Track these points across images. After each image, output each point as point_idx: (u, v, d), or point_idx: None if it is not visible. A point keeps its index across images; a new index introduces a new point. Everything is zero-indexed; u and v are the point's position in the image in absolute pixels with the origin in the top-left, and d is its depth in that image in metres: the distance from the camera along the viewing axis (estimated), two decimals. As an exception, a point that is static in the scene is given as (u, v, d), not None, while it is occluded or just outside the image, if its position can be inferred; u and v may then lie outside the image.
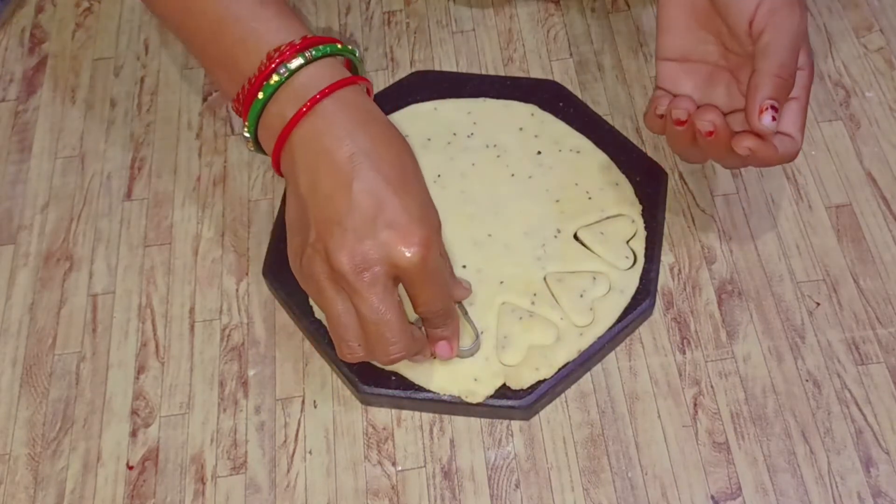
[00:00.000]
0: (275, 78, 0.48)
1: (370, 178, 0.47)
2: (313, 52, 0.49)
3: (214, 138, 0.65)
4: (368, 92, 0.53)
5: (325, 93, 0.48)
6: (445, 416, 0.54)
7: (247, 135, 0.51)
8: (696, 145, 0.51)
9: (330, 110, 0.48)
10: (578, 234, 0.58)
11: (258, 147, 0.52)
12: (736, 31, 0.50)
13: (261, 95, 0.49)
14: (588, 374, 0.55)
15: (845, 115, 0.64)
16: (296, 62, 0.48)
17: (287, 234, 0.52)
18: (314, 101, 0.48)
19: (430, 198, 0.50)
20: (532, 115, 0.63)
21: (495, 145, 0.62)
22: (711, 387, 0.54)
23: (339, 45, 0.51)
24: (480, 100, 0.64)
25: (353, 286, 0.46)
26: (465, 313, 0.55)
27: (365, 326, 0.47)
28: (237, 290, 0.59)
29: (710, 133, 0.49)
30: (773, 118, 0.47)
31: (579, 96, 0.65)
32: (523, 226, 0.58)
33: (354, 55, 0.52)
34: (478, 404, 0.53)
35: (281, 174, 0.51)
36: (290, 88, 0.49)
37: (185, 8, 0.52)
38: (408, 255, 0.46)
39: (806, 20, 0.49)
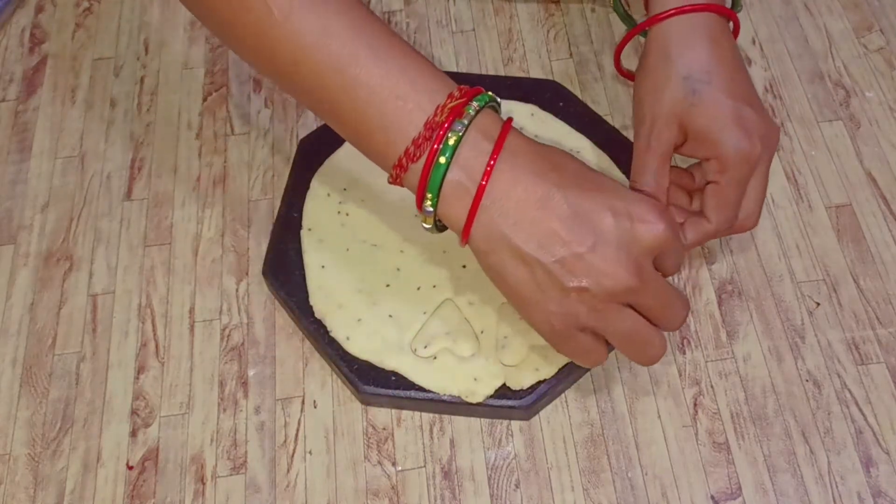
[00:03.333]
0: (452, 138, 0.43)
1: (570, 194, 0.44)
2: (478, 103, 0.44)
3: (214, 138, 0.65)
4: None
5: (499, 145, 0.44)
6: (445, 416, 0.54)
7: (430, 209, 0.45)
8: None
9: (511, 160, 0.44)
10: None
11: (437, 224, 0.47)
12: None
13: (442, 160, 0.43)
14: (588, 374, 0.55)
15: (845, 115, 0.64)
16: (467, 116, 0.44)
17: (518, 306, 0.47)
18: (495, 156, 0.44)
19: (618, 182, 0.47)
20: (532, 115, 0.63)
21: (495, 145, 0.62)
22: (711, 387, 0.54)
23: (483, 92, 0.46)
24: (480, 100, 0.64)
25: (636, 288, 0.44)
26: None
27: (658, 315, 0.46)
28: (237, 290, 0.59)
29: None
30: None
31: (579, 96, 0.65)
32: (523, 226, 0.58)
33: (496, 101, 0.47)
34: (478, 404, 0.53)
35: (468, 244, 0.46)
36: (464, 148, 0.44)
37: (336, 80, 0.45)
38: (655, 231, 0.44)
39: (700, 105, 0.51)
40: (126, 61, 0.70)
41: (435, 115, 0.44)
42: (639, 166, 0.53)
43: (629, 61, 0.67)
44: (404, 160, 0.44)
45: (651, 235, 0.45)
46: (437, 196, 0.44)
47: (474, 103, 0.44)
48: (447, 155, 0.43)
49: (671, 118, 0.52)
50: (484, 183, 0.44)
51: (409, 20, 0.71)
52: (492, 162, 0.44)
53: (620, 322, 0.46)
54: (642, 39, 0.58)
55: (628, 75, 0.64)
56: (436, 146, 0.43)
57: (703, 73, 0.51)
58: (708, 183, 0.52)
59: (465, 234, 0.45)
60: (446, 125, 0.43)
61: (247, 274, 0.60)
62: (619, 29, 0.69)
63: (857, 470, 0.51)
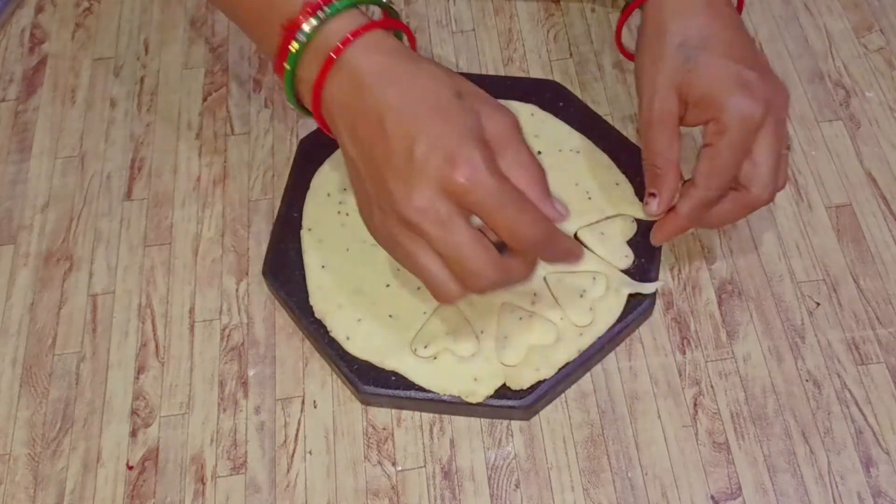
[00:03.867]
0: (305, 28, 0.46)
1: (401, 114, 0.44)
2: (337, 4, 0.46)
3: (214, 138, 0.65)
4: (411, 40, 0.50)
5: (349, 40, 0.45)
6: (445, 416, 0.54)
7: (288, 68, 0.47)
8: None
9: (356, 58, 0.45)
10: (578, 234, 0.58)
11: (304, 110, 0.49)
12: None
13: (294, 48, 0.46)
14: (588, 374, 0.55)
15: (845, 115, 0.64)
16: (319, 14, 0.45)
17: (355, 196, 0.49)
18: (338, 51, 0.45)
19: (475, 122, 0.45)
20: (532, 115, 0.63)
21: (495, 145, 0.62)
22: (711, 387, 0.54)
23: None
24: (480, 100, 0.64)
25: (423, 230, 0.44)
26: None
27: (449, 266, 0.45)
28: (237, 290, 0.59)
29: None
30: (648, 203, 0.53)
31: (579, 96, 0.65)
32: (523, 226, 0.58)
33: (382, 3, 0.49)
34: (478, 404, 0.53)
35: (329, 133, 0.49)
36: (318, 42, 0.46)
37: None
38: (459, 179, 0.43)
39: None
40: (126, 61, 0.70)
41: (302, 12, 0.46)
42: (648, 141, 0.52)
43: (629, 61, 0.67)
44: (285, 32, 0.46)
45: (447, 181, 0.43)
46: (292, 86, 0.47)
47: (329, 6, 0.46)
48: (316, 23, 0.46)
49: (670, 89, 0.51)
50: (340, 47, 0.45)
51: (409, 20, 0.71)
52: (354, 35, 0.45)
53: (415, 253, 0.45)
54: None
55: (629, 55, 0.63)
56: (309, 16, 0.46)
57: (698, 39, 0.50)
58: (704, 147, 0.50)
59: (315, 99, 0.47)
60: (302, 18, 0.46)
61: (247, 274, 0.60)
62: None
63: (857, 470, 0.51)
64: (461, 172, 0.43)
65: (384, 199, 0.44)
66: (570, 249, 0.47)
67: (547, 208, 0.46)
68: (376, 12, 0.51)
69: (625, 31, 0.60)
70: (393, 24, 0.48)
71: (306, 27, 0.46)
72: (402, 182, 0.43)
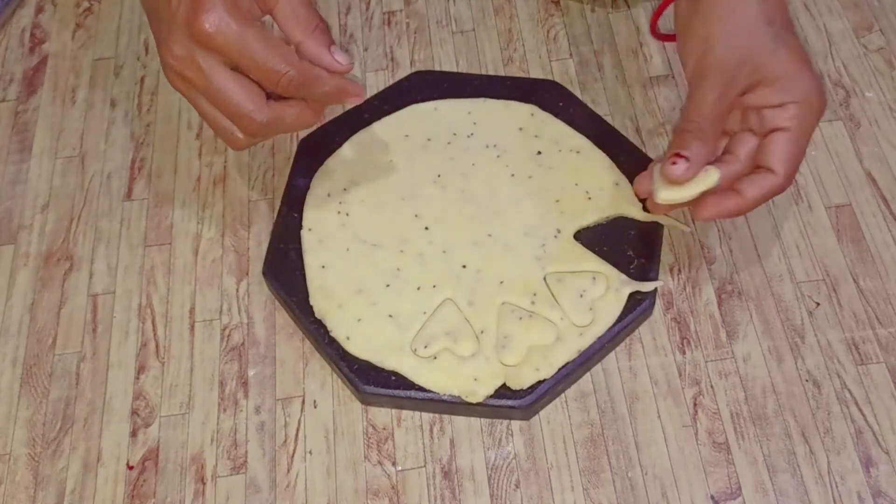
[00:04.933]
0: None
1: None
2: None
3: (214, 138, 0.65)
4: None
5: None
6: (445, 416, 0.54)
7: None
8: None
9: None
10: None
11: None
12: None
13: None
14: (588, 374, 0.55)
15: (845, 115, 0.64)
16: None
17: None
18: None
19: None
20: (532, 115, 0.63)
21: (495, 145, 0.62)
22: (711, 387, 0.54)
23: None
24: (480, 100, 0.64)
25: (188, 78, 0.46)
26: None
27: (221, 112, 0.47)
28: (237, 290, 0.59)
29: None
30: (674, 163, 0.49)
31: (579, 96, 0.65)
32: (523, 226, 0.58)
33: None
34: (478, 404, 0.53)
35: None
36: None
37: None
38: (202, 26, 0.45)
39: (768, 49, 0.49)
40: (126, 61, 0.70)
41: None
42: (697, 92, 0.50)
43: (629, 61, 0.67)
44: None
45: (195, 28, 0.45)
46: None
47: None
48: None
49: (745, 63, 0.49)
50: None
51: (409, 20, 0.71)
52: None
53: (196, 101, 0.48)
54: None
55: (667, 37, 0.61)
56: None
57: (784, 18, 0.50)
58: (772, 131, 0.49)
59: None
60: None
61: (247, 274, 0.60)
62: (619, 29, 0.69)
63: (857, 470, 0.51)
64: (204, 18, 0.45)
65: (160, 51, 0.47)
66: (342, 87, 0.49)
67: (325, 58, 0.49)
68: None
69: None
70: None
71: None
72: (165, 33, 0.46)
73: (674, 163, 0.49)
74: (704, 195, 0.50)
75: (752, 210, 0.50)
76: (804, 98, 0.49)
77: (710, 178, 0.50)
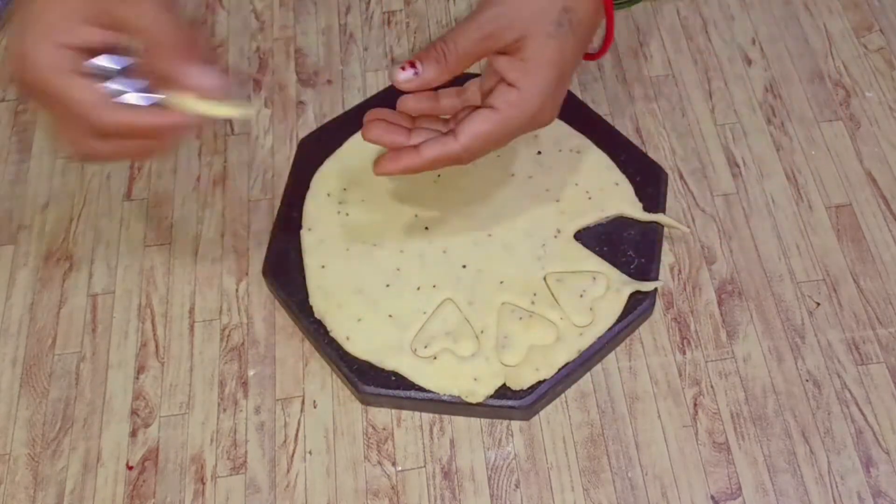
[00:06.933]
0: None
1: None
2: None
3: (214, 138, 0.65)
4: None
5: None
6: (445, 416, 0.54)
7: None
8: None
9: None
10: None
11: None
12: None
13: None
14: (588, 374, 0.55)
15: (845, 115, 0.64)
16: None
17: None
18: None
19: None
20: (532, 115, 0.63)
21: (495, 145, 0.62)
22: (711, 387, 0.54)
23: None
24: (480, 100, 0.64)
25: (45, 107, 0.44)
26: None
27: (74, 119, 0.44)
28: (237, 290, 0.59)
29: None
30: (403, 68, 0.48)
31: (579, 96, 0.65)
32: (523, 226, 0.58)
33: None
34: (478, 404, 0.53)
35: None
36: None
37: None
38: (25, 76, 0.42)
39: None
40: (126, 61, 0.70)
41: None
42: (457, 28, 0.48)
43: (629, 61, 0.67)
44: None
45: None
46: None
47: None
48: None
49: (518, 25, 0.48)
50: None
51: (409, 20, 0.71)
52: None
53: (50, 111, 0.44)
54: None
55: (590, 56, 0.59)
56: None
57: (580, 23, 0.48)
58: (483, 106, 0.49)
59: None
60: None
61: (247, 274, 0.60)
62: (619, 29, 0.69)
63: (857, 470, 0.51)
64: (25, 69, 0.42)
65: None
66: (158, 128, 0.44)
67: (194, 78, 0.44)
68: None
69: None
70: None
71: None
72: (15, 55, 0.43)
73: (403, 68, 0.48)
74: (390, 152, 0.50)
75: (428, 170, 0.49)
76: (529, 96, 0.48)
77: (246, 108, 0.47)
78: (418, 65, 0.48)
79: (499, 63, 0.49)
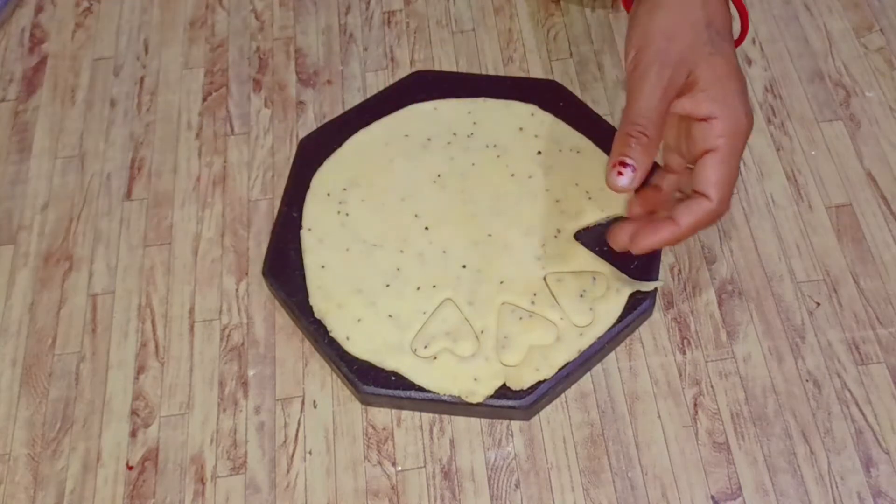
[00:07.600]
0: None
1: None
2: None
3: (214, 138, 0.65)
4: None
5: None
6: (445, 416, 0.54)
7: None
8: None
9: None
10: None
11: None
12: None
13: None
14: (588, 374, 0.55)
15: (845, 115, 0.64)
16: None
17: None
18: None
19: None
20: (532, 115, 0.63)
21: (495, 145, 0.62)
22: (711, 387, 0.54)
23: None
24: (480, 100, 0.64)
25: None
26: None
27: None
28: (237, 290, 0.59)
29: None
30: (620, 173, 0.47)
31: (579, 96, 0.65)
32: (523, 226, 0.58)
33: None
34: (478, 404, 0.53)
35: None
36: None
37: None
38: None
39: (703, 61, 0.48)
40: (126, 61, 0.70)
41: None
42: (637, 93, 0.48)
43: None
44: None
45: None
46: None
47: None
48: None
49: (684, 62, 0.48)
50: None
51: (409, 20, 0.71)
52: None
53: None
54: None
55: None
56: None
57: (724, 26, 0.49)
58: (703, 154, 0.48)
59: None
60: None
61: (247, 274, 0.60)
62: (619, 29, 0.69)
63: (857, 470, 0.51)
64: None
65: None
66: None
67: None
68: None
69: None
70: None
71: None
72: None
73: (619, 173, 0.47)
74: (642, 225, 0.50)
75: (688, 237, 0.49)
76: (731, 115, 0.47)
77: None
78: (627, 160, 0.47)
79: (682, 106, 0.48)
